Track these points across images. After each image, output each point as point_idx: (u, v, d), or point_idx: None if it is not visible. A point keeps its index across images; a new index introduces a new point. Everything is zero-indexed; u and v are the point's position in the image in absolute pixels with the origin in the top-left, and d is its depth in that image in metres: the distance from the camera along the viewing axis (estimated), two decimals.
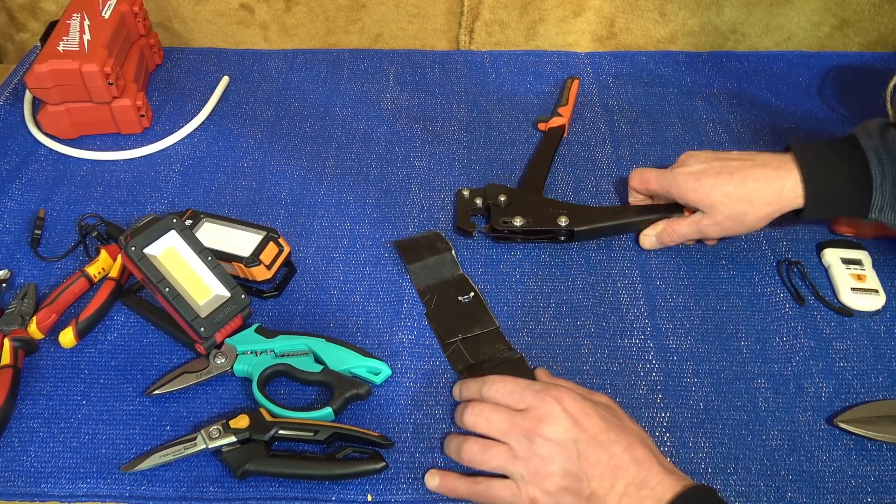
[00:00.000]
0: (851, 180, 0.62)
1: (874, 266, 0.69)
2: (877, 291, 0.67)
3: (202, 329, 0.60)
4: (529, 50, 0.97)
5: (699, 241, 0.72)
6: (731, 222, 0.66)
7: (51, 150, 0.82)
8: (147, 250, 0.60)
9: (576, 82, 0.90)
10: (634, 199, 0.74)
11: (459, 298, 0.67)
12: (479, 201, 0.74)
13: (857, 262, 0.69)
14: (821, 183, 0.62)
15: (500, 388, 0.54)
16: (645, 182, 0.71)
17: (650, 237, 0.71)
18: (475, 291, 0.68)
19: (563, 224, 0.70)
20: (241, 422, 0.56)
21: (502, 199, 0.73)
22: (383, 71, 0.94)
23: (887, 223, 0.62)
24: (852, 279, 0.68)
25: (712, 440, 0.59)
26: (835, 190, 0.63)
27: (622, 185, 0.78)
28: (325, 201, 0.77)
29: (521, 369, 0.62)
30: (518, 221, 0.71)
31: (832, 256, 0.70)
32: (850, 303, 0.67)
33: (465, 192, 0.75)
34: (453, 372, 0.63)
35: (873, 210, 0.62)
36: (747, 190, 0.64)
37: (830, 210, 0.64)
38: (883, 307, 0.67)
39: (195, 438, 0.56)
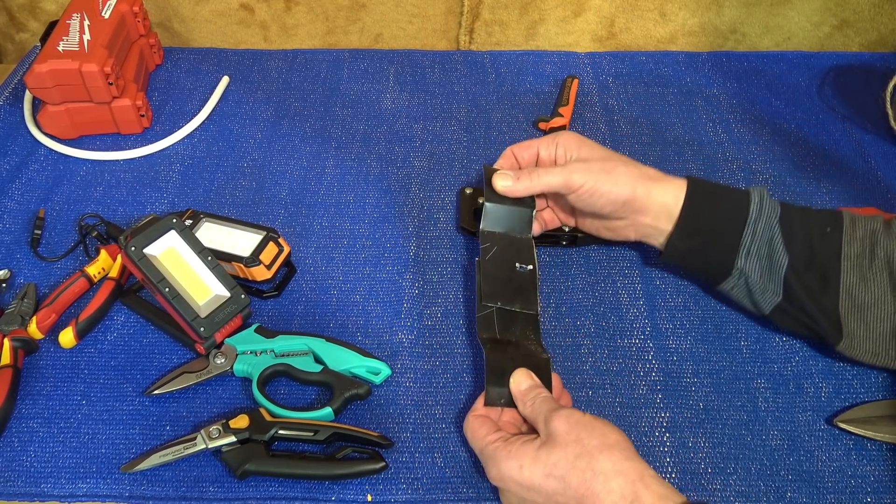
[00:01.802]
0: (729, 207, 0.60)
1: None
2: None
3: (202, 329, 0.60)
4: (529, 50, 0.97)
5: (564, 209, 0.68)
6: (602, 173, 0.60)
7: (51, 150, 0.82)
8: (147, 250, 0.60)
9: (575, 82, 0.90)
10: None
11: (517, 265, 0.63)
12: (481, 200, 0.74)
13: None
14: (700, 203, 0.60)
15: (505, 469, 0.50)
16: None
17: (508, 179, 0.63)
18: (535, 266, 0.64)
19: (567, 229, 0.70)
20: (241, 422, 0.56)
21: None
22: (383, 71, 0.94)
23: (750, 280, 0.59)
24: None
25: (712, 440, 0.59)
26: (709, 212, 0.60)
27: None
28: (325, 201, 0.77)
29: (542, 373, 0.56)
30: None
31: None
32: None
33: (468, 191, 0.75)
34: (453, 371, 0.63)
35: (741, 251, 0.59)
36: (638, 168, 0.62)
37: (699, 236, 0.61)
38: None
39: (195, 438, 0.56)
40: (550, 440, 0.49)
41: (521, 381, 0.55)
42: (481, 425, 0.53)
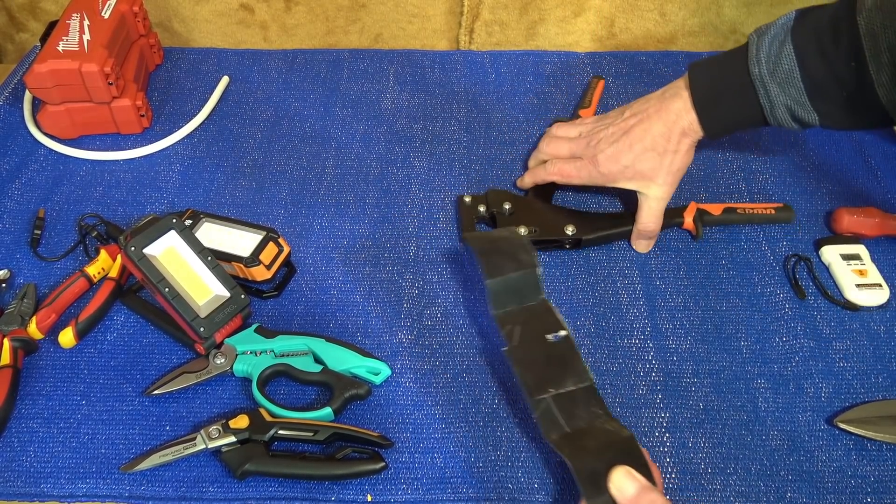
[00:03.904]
0: (736, 85, 0.63)
1: (875, 262, 0.69)
2: (880, 285, 0.67)
3: (202, 329, 0.60)
4: (529, 50, 0.97)
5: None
6: (674, 176, 0.67)
7: (51, 150, 0.82)
8: (147, 250, 0.60)
9: (601, 83, 0.89)
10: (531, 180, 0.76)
11: (547, 337, 0.55)
12: (482, 208, 0.73)
13: (856, 257, 0.69)
14: (711, 103, 0.63)
15: None
16: (567, 177, 0.72)
17: (642, 243, 0.72)
18: (565, 330, 0.55)
19: (571, 233, 0.70)
20: (241, 422, 0.56)
21: (506, 206, 0.72)
22: (383, 71, 0.94)
23: (772, 95, 0.61)
24: (855, 275, 0.68)
25: (712, 440, 0.59)
26: (724, 108, 0.63)
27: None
28: (325, 201, 0.77)
29: (632, 454, 0.48)
30: (524, 230, 0.70)
31: (831, 254, 0.70)
32: (856, 300, 0.67)
33: (467, 199, 0.74)
34: (453, 371, 0.63)
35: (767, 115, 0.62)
36: (655, 141, 0.66)
37: (729, 123, 0.65)
38: (888, 300, 0.67)
39: (195, 438, 0.56)
40: None
41: (624, 485, 0.46)
42: None
